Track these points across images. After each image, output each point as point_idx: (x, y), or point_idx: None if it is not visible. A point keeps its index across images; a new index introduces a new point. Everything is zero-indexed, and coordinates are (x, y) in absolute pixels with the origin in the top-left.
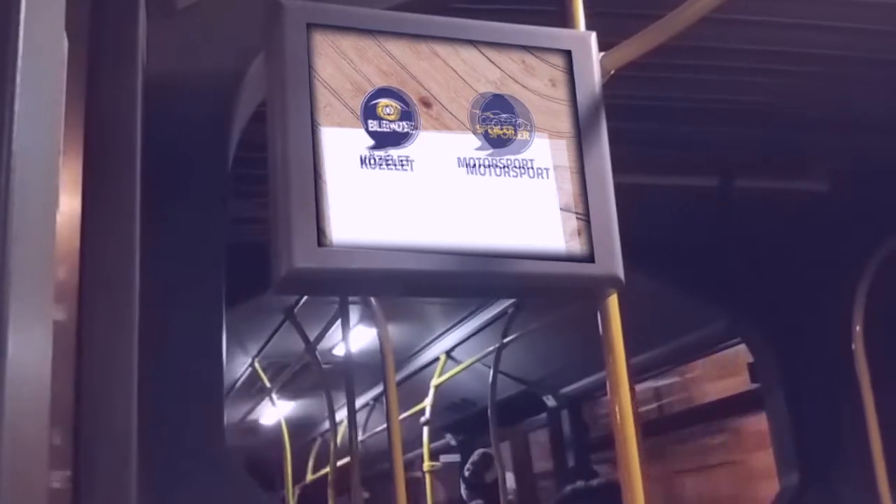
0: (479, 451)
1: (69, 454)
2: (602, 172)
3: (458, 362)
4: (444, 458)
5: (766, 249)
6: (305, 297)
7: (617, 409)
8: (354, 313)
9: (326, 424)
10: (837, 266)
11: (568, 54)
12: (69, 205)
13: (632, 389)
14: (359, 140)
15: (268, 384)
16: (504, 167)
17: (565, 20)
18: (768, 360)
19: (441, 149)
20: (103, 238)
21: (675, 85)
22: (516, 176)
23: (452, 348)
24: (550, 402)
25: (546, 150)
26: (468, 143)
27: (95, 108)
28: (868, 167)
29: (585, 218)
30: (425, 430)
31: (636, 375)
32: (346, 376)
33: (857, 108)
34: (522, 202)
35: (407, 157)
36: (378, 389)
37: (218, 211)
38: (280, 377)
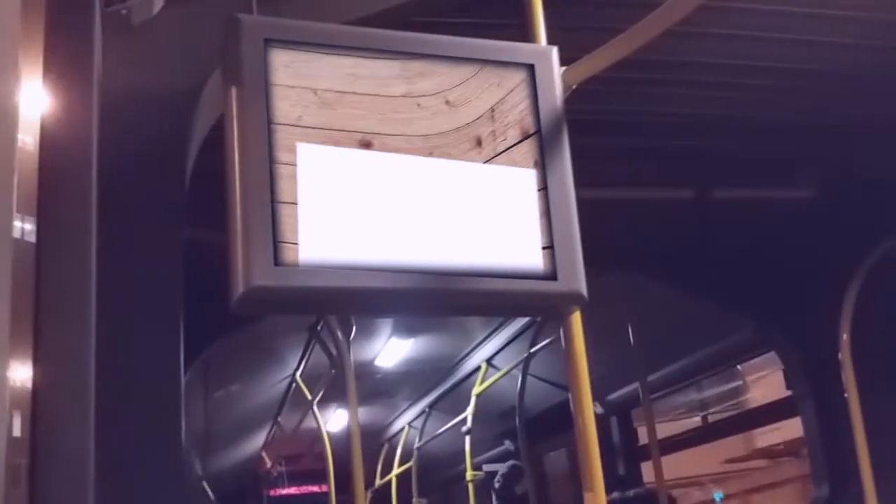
0: (510, 462)
1: (25, 471)
2: (564, 189)
3: (499, 370)
4: (486, 468)
5: (787, 256)
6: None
7: (580, 423)
8: (387, 325)
9: (393, 430)
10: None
11: (530, 69)
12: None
13: (649, 402)
14: (317, 156)
15: (309, 396)
16: (466, 187)
17: (526, 34)
18: (798, 369)
19: (398, 168)
20: (59, 256)
21: (644, 99)
22: (476, 195)
23: (492, 356)
24: (598, 409)
25: (509, 167)
26: (428, 162)
27: (51, 125)
28: (849, 174)
29: (549, 235)
30: (467, 439)
31: (663, 388)
32: (347, 391)
33: (834, 118)
34: (484, 220)
35: (363, 173)
36: (432, 396)
37: (175, 228)
38: (317, 389)
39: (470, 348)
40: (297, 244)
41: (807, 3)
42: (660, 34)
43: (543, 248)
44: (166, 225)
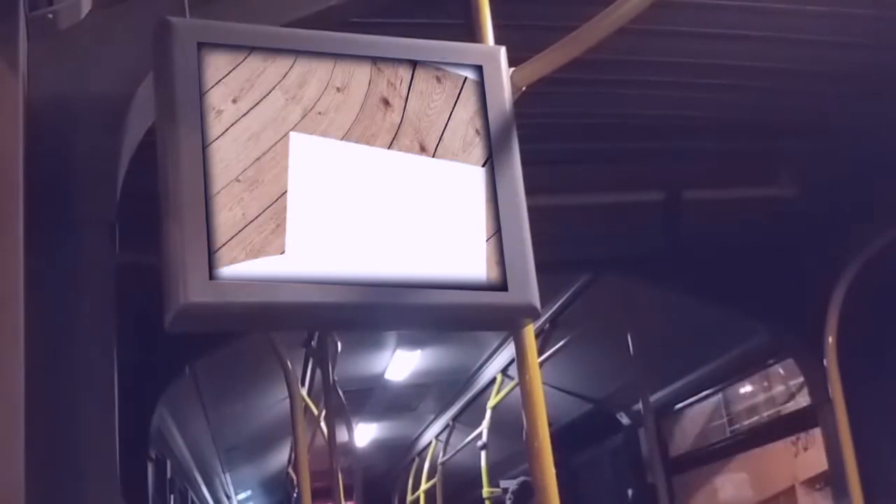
0: (520, 479)
1: None
2: (515, 196)
3: (513, 379)
4: (503, 484)
5: (793, 258)
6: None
7: (534, 447)
8: (391, 337)
9: (422, 444)
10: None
11: (478, 70)
12: None
13: (652, 421)
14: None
15: (315, 412)
16: (411, 193)
17: (473, 34)
18: (817, 377)
19: (344, 168)
20: None
21: (605, 101)
22: (421, 201)
23: (507, 366)
24: (625, 419)
25: (456, 174)
26: (379, 162)
27: None
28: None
29: (498, 244)
30: (483, 454)
31: (679, 400)
32: (327, 404)
33: (801, 117)
34: (432, 228)
35: (304, 182)
36: (455, 409)
37: (107, 239)
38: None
39: (484, 358)
40: (233, 258)
41: None
42: (613, 32)
43: (492, 258)
44: (98, 239)
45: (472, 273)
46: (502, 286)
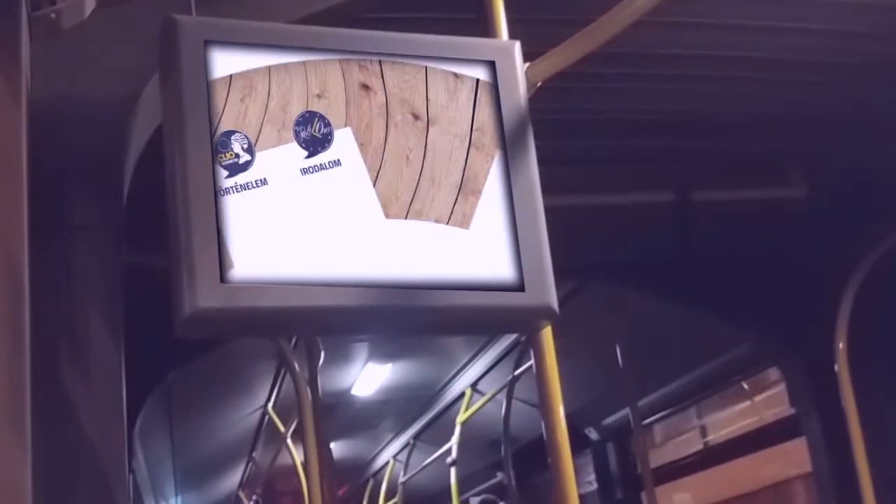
0: (483, 496)
1: None
2: (531, 194)
3: (483, 395)
4: (472, 501)
5: (781, 261)
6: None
7: (554, 448)
8: (363, 350)
9: (378, 464)
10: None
11: (491, 65)
12: None
13: (640, 429)
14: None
15: (282, 429)
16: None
17: (486, 29)
18: (802, 384)
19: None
20: None
21: (615, 96)
22: (436, 200)
23: (477, 381)
24: (593, 434)
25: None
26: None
27: None
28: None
29: (514, 243)
30: (452, 471)
31: (659, 410)
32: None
33: (813, 112)
34: (444, 227)
35: (313, 181)
36: (417, 427)
37: (113, 242)
38: (290, 421)
39: (453, 373)
40: (244, 261)
41: None
42: (630, 25)
43: (509, 256)
44: (103, 243)
45: (487, 273)
46: (519, 287)
